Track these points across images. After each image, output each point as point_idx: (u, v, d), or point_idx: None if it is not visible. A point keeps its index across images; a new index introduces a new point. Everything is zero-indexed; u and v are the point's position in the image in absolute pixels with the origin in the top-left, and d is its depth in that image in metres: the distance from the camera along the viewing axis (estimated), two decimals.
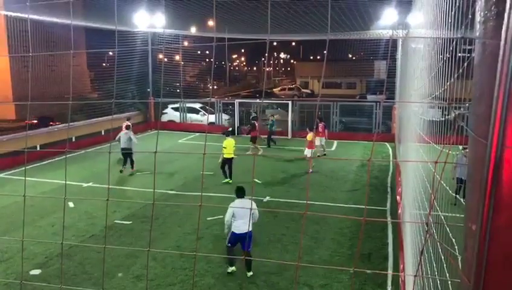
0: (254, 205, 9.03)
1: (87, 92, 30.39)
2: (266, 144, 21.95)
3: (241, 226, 8.26)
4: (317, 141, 18.86)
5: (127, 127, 16.76)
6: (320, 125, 19.61)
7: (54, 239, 10.36)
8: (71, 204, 12.58)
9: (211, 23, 25.75)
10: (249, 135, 21.22)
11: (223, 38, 23.49)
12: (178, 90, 28.80)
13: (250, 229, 8.35)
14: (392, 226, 11.14)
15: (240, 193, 8.68)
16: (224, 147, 15.29)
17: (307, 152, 17.15)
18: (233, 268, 8.65)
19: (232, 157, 15.31)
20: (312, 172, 16.80)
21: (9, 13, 21.94)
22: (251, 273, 8.57)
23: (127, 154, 16.37)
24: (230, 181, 15.09)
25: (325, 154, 19.69)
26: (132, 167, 16.74)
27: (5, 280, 8.30)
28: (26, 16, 20.39)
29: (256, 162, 17.74)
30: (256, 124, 21.79)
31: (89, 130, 22.52)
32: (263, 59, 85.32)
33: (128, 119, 18.21)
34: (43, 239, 10.33)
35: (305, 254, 9.61)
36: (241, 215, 8.31)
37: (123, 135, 16.45)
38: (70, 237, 10.34)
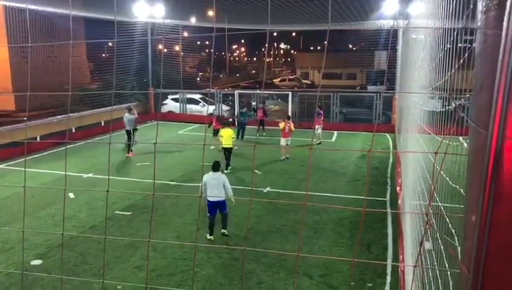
0: (225, 178, 9.81)
1: (86, 83, 30.32)
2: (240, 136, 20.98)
3: (214, 195, 9.42)
4: (319, 130, 19.79)
5: (129, 110, 18.52)
6: (319, 115, 19.95)
7: (54, 230, 10.40)
8: (71, 195, 12.61)
9: (210, 13, 25.61)
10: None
11: (223, 29, 23.36)
12: (178, 81, 28.70)
13: (223, 198, 9.55)
14: (392, 216, 11.17)
15: (215, 166, 9.76)
16: (221, 136, 15.59)
17: (283, 141, 17.36)
18: (212, 237, 9.81)
19: (231, 148, 15.45)
20: (283, 160, 17.24)
21: (8, 3, 21.82)
22: (225, 231, 9.90)
23: (128, 135, 18.04)
24: (229, 170, 15.22)
25: (319, 143, 19.98)
26: (128, 152, 17.66)
27: (6, 270, 8.35)
28: (24, 6, 20.26)
29: (256, 152, 17.73)
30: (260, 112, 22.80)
31: (89, 120, 22.52)
32: (263, 50, 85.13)
33: (129, 110, 18.61)
34: (43, 230, 10.37)
35: (305, 244, 9.65)
36: (211, 186, 9.50)
37: (124, 117, 18.20)
38: (70, 228, 10.37)
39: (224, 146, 15.43)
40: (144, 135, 22.56)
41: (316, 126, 19.69)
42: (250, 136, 21.18)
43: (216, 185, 9.52)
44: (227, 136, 15.45)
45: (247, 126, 21.79)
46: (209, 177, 9.64)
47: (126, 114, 18.23)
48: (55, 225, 10.67)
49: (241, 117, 22.04)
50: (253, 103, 26.31)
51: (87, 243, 9.55)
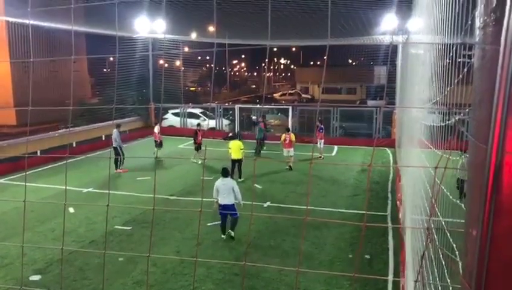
0: (234, 183, 10.74)
1: (87, 98, 30.47)
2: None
3: (223, 199, 10.37)
4: (321, 144, 20.29)
5: (117, 126, 18.33)
6: (319, 131, 20.27)
7: (54, 245, 10.34)
8: (71, 210, 12.57)
9: (211, 29, 25.82)
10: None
11: (224, 44, 23.50)
12: (178, 96, 28.82)
13: (232, 202, 10.36)
14: (393, 231, 11.11)
15: (224, 173, 10.76)
16: (229, 148, 15.96)
17: (285, 152, 18.27)
18: (224, 237, 10.58)
19: (240, 159, 15.74)
20: (288, 169, 17.94)
21: (11, 19, 22.01)
22: (231, 232, 10.52)
23: (115, 152, 17.53)
24: (240, 180, 15.53)
25: (320, 157, 20.21)
26: (116, 168, 17.46)
27: (4, 286, 8.28)
28: (27, 21, 20.44)
29: (256, 167, 17.74)
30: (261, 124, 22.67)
31: (89, 135, 22.55)
32: (263, 64, 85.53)
33: (118, 126, 18.44)
34: (43, 245, 10.32)
35: (306, 260, 9.59)
36: (222, 191, 10.40)
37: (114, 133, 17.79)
38: (70, 243, 10.32)
39: (233, 158, 15.63)
40: (144, 150, 22.59)
41: (318, 140, 20.16)
42: (251, 150, 21.17)
43: (225, 190, 10.37)
44: (235, 147, 15.80)
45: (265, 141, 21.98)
46: (220, 182, 10.54)
47: (115, 130, 17.88)
48: (54, 240, 10.62)
49: (258, 133, 21.51)
50: (254, 117, 26.47)
51: (86, 258, 9.49)
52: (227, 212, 10.46)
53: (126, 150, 18.60)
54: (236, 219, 10.55)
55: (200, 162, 18.67)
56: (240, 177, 15.73)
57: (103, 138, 23.26)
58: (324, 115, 24.77)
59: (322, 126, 20.70)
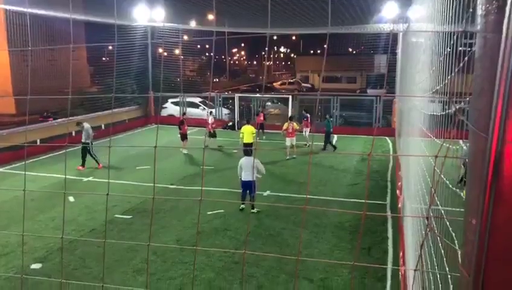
0: (257, 161, 12.18)
1: (87, 86, 30.38)
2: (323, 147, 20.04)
3: (245, 176, 11.49)
4: (306, 132, 20.71)
5: (78, 124, 16.83)
6: (306, 118, 20.74)
7: (54, 233, 10.38)
8: (71, 198, 12.60)
9: (210, 17, 25.68)
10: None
11: (223, 33, 23.40)
12: (178, 85, 28.75)
13: (253, 179, 11.28)
14: (392, 220, 11.15)
15: (246, 152, 12.12)
16: (242, 133, 17.01)
17: (288, 141, 18.18)
18: (243, 206, 11.78)
19: (251, 143, 16.49)
20: (289, 159, 17.90)
21: (9, 7, 21.86)
22: (254, 210, 11.60)
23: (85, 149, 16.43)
24: None
25: (305, 144, 20.66)
26: (82, 165, 16.37)
27: (5, 274, 8.33)
28: (25, 10, 20.31)
29: (255, 156, 17.75)
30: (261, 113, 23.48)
31: (89, 124, 22.49)
32: (263, 53, 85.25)
33: (78, 124, 16.98)
34: (43, 233, 10.35)
35: (305, 248, 9.63)
36: (244, 168, 11.48)
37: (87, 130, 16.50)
38: (70, 232, 10.36)
39: (245, 142, 16.51)
40: (143, 139, 22.61)
41: (304, 129, 20.64)
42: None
43: (248, 168, 11.41)
44: (247, 132, 16.78)
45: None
46: (243, 160, 11.66)
47: (86, 124, 16.61)
48: (55, 229, 10.66)
49: (326, 124, 19.89)
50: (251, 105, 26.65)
51: (87, 246, 9.53)
52: (246, 187, 11.56)
53: (127, 139, 18.57)
54: (253, 196, 11.63)
55: (186, 152, 18.69)
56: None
57: (102, 127, 23.24)
58: (324, 104, 24.75)
59: (308, 115, 20.99)
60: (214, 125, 21.12)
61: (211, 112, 23.28)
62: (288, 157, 17.96)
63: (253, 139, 16.64)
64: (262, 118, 23.38)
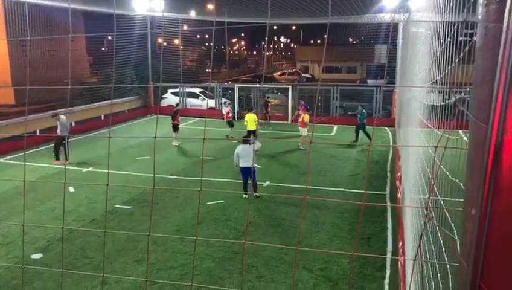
0: (252, 148, 12.03)
1: (86, 77, 30.28)
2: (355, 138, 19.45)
3: (244, 162, 11.71)
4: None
5: (54, 116, 15.70)
6: (302, 106, 20.55)
7: (54, 224, 10.41)
8: (71, 189, 12.62)
9: (210, 6, 25.52)
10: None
11: (223, 22, 23.29)
12: (178, 75, 28.66)
13: (251, 165, 11.74)
14: (392, 210, 11.18)
15: (245, 140, 12.16)
16: (246, 120, 17.97)
17: (304, 132, 18.36)
18: (246, 196, 12.11)
19: (255, 130, 17.53)
20: (303, 149, 17.98)
21: None
22: (257, 194, 12.03)
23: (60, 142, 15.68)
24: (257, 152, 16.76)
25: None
26: (57, 159, 15.57)
27: (6, 264, 8.37)
28: None
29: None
30: (269, 104, 23.80)
31: (88, 114, 22.50)
32: (263, 43, 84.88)
33: (54, 115, 15.77)
34: (43, 224, 10.39)
35: (305, 238, 9.67)
36: (242, 156, 11.72)
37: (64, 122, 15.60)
38: (71, 222, 10.39)
39: (248, 129, 17.40)
40: (143, 129, 22.60)
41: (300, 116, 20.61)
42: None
43: (246, 155, 11.66)
44: (250, 120, 17.80)
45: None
46: (240, 148, 11.86)
47: (62, 117, 15.61)
48: (55, 219, 10.69)
49: (359, 117, 19.16)
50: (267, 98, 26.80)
51: (87, 236, 9.57)
52: (246, 173, 11.88)
53: (126, 129, 18.54)
54: (255, 180, 12.06)
55: (178, 143, 18.70)
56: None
57: (102, 118, 23.23)
58: (324, 94, 24.70)
59: (303, 102, 21.01)
60: (229, 115, 21.17)
61: (225, 102, 23.35)
62: (302, 147, 18.09)
63: (255, 126, 17.71)
64: (269, 108, 23.85)
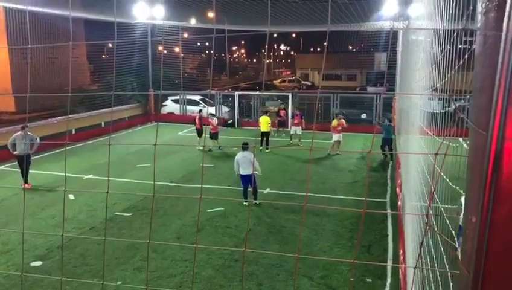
0: (252, 156, 12.27)
1: (86, 84, 30.31)
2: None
3: (244, 169, 11.74)
4: (292, 130, 20.86)
5: (23, 128, 13.81)
6: (297, 115, 20.86)
7: (54, 231, 10.39)
8: (71, 196, 12.60)
9: (210, 14, 25.64)
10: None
11: (223, 30, 23.36)
12: (178, 82, 28.71)
13: (251, 173, 11.63)
14: (392, 218, 11.16)
15: (244, 147, 12.15)
16: (260, 122, 18.94)
17: (336, 137, 18.46)
18: (246, 203, 12.16)
19: (268, 132, 18.80)
20: (334, 154, 18.24)
21: (8, 4, 21.82)
22: (258, 201, 11.99)
23: (27, 162, 13.66)
24: (268, 150, 18.62)
25: (299, 144, 20.31)
26: (26, 181, 13.57)
27: (6, 272, 8.34)
28: (25, 7, 20.27)
29: (257, 153, 17.77)
30: (281, 111, 23.94)
31: (88, 122, 22.51)
32: (263, 51, 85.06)
33: (23, 128, 13.90)
34: (43, 231, 10.37)
35: (305, 246, 9.64)
36: (242, 162, 11.75)
37: (19, 138, 13.61)
38: (70, 229, 10.37)
39: (262, 130, 18.57)
40: (143, 136, 22.59)
41: (293, 127, 20.83)
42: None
43: (245, 162, 11.71)
44: (264, 122, 18.71)
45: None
46: (240, 156, 11.89)
47: (22, 134, 13.65)
48: (55, 226, 10.67)
49: (385, 131, 17.54)
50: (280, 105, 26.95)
51: (87, 244, 9.54)
52: (247, 181, 11.88)
53: (127, 137, 18.55)
54: (255, 187, 12.09)
55: (200, 148, 19.12)
56: (267, 148, 18.62)
57: (102, 125, 23.23)
58: (324, 101, 24.74)
59: (298, 112, 21.22)
60: (216, 129, 19.54)
61: (211, 114, 21.74)
62: (333, 153, 18.13)
63: (269, 128, 18.76)
64: (284, 115, 23.88)
